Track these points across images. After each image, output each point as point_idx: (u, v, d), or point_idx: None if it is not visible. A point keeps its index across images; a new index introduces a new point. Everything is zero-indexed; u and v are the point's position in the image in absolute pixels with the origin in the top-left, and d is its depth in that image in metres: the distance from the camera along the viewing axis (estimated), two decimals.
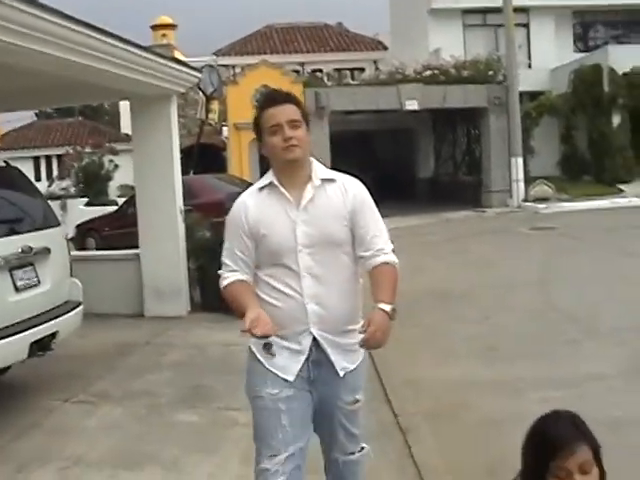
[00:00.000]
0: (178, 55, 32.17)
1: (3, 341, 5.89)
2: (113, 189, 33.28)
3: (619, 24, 34.44)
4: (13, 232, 6.44)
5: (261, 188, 3.52)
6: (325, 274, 3.43)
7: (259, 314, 3.23)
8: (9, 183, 7.01)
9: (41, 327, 6.43)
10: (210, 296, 10.67)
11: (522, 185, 24.95)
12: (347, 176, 3.62)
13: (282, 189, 3.45)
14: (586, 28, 34.34)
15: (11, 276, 6.28)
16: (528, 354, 7.95)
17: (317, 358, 3.47)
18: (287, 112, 3.43)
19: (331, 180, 3.53)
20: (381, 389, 7.01)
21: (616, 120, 26.67)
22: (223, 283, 3.48)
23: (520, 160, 25.10)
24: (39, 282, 6.65)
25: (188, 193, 11.86)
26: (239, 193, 3.63)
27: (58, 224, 7.37)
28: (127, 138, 40.42)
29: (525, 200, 24.61)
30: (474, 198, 26.08)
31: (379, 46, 39.15)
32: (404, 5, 35.96)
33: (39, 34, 6.68)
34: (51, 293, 6.81)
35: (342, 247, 3.47)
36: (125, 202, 19.34)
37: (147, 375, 7.77)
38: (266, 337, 3.23)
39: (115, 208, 20.97)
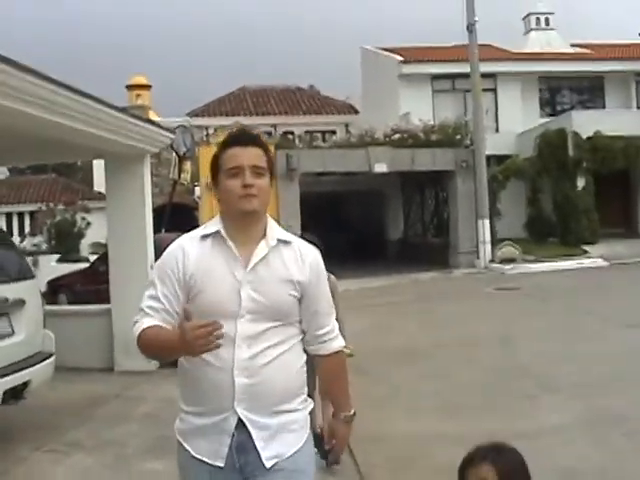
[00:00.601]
0: (152, 115, 32.71)
1: None
2: (85, 246, 33.39)
3: (584, 90, 35.39)
4: None
5: (204, 236, 3.05)
6: (264, 345, 2.95)
7: (184, 329, 2.69)
8: None
9: (14, 376, 6.65)
10: None
11: (489, 247, 25.35)
12: (302, 241, 3.21)
13: (230, 242, 3.01)
14: (552, 93, 35.26)
15: None
16: (489, 408, 8.23)
17: (241, 442, 2.95)
18: (251, 155, 3.03)
19: (287, 242, 3.10)
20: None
21: (580, 183, 27.26)
22: (137, 330, 2.96)
23: (487, 222, 25.53)
24: (13, 332, 6.88)
25: (159, 251, 12.10)
26: None
27: (33, 277, 7.63)
28: (100, 196, 40.62)
29: (492, 261, 24.99)
30: (442, 259, 26.43)
31: (350, 109, 39.90)
32: (375, 70, 36.73)
33: (17, 93, 6.96)
34: (24, 343, 7.03)
35: (289, 318, 3.04)
36: (97, 259, 19.53)
37: (116, 427, 7.95)
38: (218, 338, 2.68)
39: (87, 265, 21.13)
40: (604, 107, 33.84)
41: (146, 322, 2.95)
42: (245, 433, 2.94)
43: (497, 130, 32.51)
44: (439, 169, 26.27)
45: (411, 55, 33.40)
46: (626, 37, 41.35)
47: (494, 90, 32.93)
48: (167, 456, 6.84)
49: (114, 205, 10.96)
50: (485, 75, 28.44)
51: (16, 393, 6.71)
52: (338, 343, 3.19)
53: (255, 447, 2.94)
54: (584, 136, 27.23)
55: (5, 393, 6.50)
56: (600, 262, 23.72)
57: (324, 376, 3.27)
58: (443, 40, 33.19)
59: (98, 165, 39.23)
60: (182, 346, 2.69)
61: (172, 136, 11.75)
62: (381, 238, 33.57)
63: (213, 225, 3.06)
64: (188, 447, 3.00)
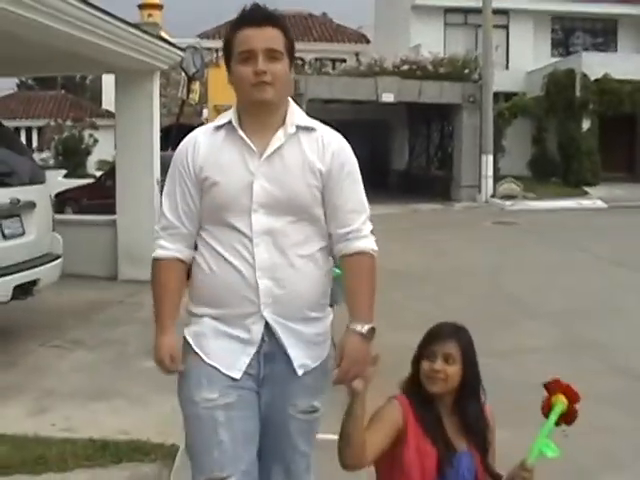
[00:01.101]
0: (164, 35, 32.52)
1: None
2: (92, 163, 33.69)
3: (597, 32, 35.17)
4: (3, 184, 7.04)
5: (218, 127, 2.81)
6: (285, 243, 2.73)
7: (170, 347, 2.79)
8: (0, 140, 7.59)
9: (24, 273, 7.04)
10: None
11: (491, 182, 25.61)
12: (328, 128, 2.91)
13: (240, 132, 2.76)
14: (564, 33, 35.03)
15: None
16: (470, 329, 8.62)
17: (270, 350, 2.78)
18: (266, 37, 2.69)
19: (309, 129, 2.82)
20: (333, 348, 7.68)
21: (586, 125, 27.43)
22: (157, 252, 2.85)
23: (490, 158, 25.74)
24: (24, 232, 7.25)
25: (166, 168, 12.42)
26: None
27: (44, 181, 7.97)
28: (108, 114, 40.76)
29: (493, 196, 25.30)
30: (445, 192, 26.71)
31: (362, 39, 39.74)
32: (388, 0, 36.60)
33: (34, 3, 7.22)
34: (34, 243, 7.41)
35: (310, 213, 2.78)
36: (104, 174, 19.89)
37: (118, 328, 8.37)
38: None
39: (93, 180, 21.48)
40: (616, 51, 33.73)
41: (166, 248, 2.84)
42: (274, 340, 2.76)
43: (507, 67, 32.44)
44: (446, 102, 26.34)
45: None
46: None
47: (506, 27, 32.75)
48: None
49: (123, 118, 11.24)
50: (498, 11, 28.35)
51: (25, 290, 7.10)
52: (365, 243, 2.82)
53: (286, 354, 2.77)
54: (593, 78, 27.28)
55: (15, 288, 6.89)
56: (599, 204, 24.04)
57: (348, 276, 2.82)
58: None
59: (107, 83, 39.27)
60: (156, 337, 2.83)
61: (182, 54, 12.00)
62: (385, 168, 33.72)
63: (226, 116, 2.82)
64: (200, 351, 2.78)
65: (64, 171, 28.69)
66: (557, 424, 2.89)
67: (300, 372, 2.79)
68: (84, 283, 10.48)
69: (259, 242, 2.71)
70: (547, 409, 2.93)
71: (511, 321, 9.03)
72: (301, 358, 2.79)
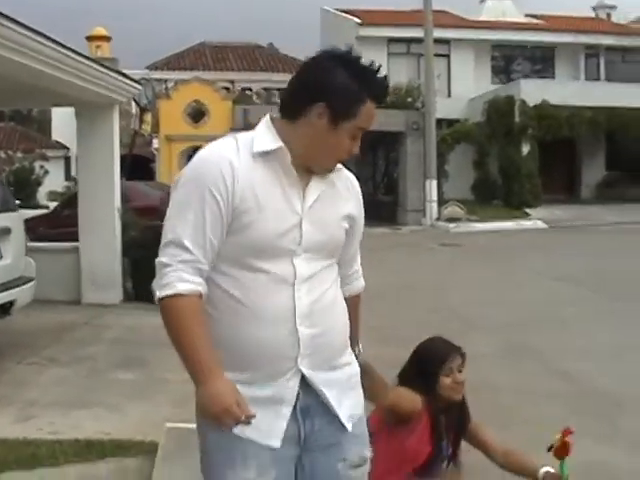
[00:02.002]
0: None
1: None
2: (42, 194, 33.87)
3: (535, 59, 36.52)
4: None
5: (260, 153, 2.41)
6: (321, 289, 2.47)
7: (233, 391, 2.32)
8: None
9: (2, 294, 7.51)
10: (142, 287, 11.80)
11: (435, 206, 26.45)
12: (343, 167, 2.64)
13: (293, 170, 2.41)
14: (504, 61, 36.36)
15: None
16: (420, 339, 9.29)
17: (306, 404, 2.46)
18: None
19: (338, 169, 2.57)
20: None
21: (525, 149, 28.52)
22: (179, 287, 2.30)
23: (434, 182, 26.60)
24: (1, 256, 7.73)
25: (122, 197, 12.93)
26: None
27: (17, 209, 8.46)
28: (58, 145, 41.07)
29: (438, 219, 26.13)
30: (391, 216, 27.50)
31: None
32: (334, 30, 37.35)
33: (6, 42, 7.70)
34: (10, 267, 7.89)
35: (337, 255, 2.61)
36: (60, 204, 20.23)
37: (88, 347, 8.82)
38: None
39: (49, 210, 21.77)
40: (554, 77, 35.07)
41: (186, 281, 2.31)
42: (309, 393, 2.46)
43: (449, 95, 33.55)
44: (390, 130, 27.12)
45: (369, 18, 34.28)
46: (580, 10, 42.50)
47: (448, 56, 33.92)
48: (136, 370, 7.79)
49: (85, 150, 11.73)
50: (439, 41, 29.40)
51: (4, 309, 7.57)
52: (362, 281, 2.89)
53: (327, 409, 2.49)
54: (531, 104, 28.36)
55: None
56: (540, 224, 25.03)
57: (350, 314, 2.68)
58: (402, 2, 33.90)
59: (57, 114, 39.53)
60: (198, 387, 2.33)
61: (140, 87, 12.54)
62: None
63: (270, 140, 2.43)
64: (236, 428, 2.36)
65: (17, 202, 28.74)
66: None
67: (350, 426, 2.52)
68: (50, 307, 10.84)
69: (300, 288, 2.41)
70: (562, 453, 3.50)
71: (459, 332, 9.58)
72: (346, 409, 2.52)
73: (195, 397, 2.36)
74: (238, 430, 2.32)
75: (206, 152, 2.42)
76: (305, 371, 2.41)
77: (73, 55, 9.42)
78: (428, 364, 3.58)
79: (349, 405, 2.53)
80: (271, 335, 2.36)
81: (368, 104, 2.43)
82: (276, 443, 2.39)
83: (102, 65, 10.60)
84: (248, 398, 2.33)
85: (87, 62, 9.91)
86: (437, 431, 3.52)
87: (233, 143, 2.42)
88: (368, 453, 2.61)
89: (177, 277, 2.30)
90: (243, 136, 2.46)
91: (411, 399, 3.40)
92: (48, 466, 5.15)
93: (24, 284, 8.08)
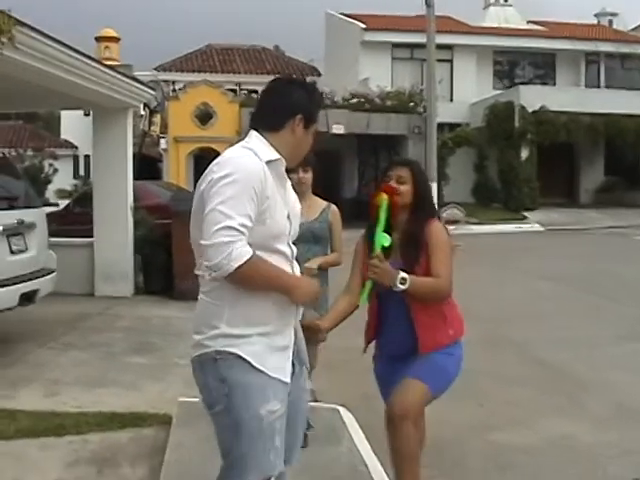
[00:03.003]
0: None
1: (3, 289, 7.69)
2: (51, 192, 34.48)
3: (536, 65, 37.01)
4: (11, 207, 8.23)
5: (268, 162, 3.12)
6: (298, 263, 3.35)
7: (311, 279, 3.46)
8: (5, 170, 8.80)
9: (28, 283, 8.22)
10: (152, 281, 12.52)
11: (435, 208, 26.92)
12: None
13: (284, 173, 3.25)
14: (505, 67, 36.84)
15: (8, 241, 8.05)
16: None
17: (294, 350, 3.28)
18: None
19: None
20: None
21: (524, 153, 29.15)
22: (243, 258, 2.92)
23: (435, 185, 27.11)
24: (27, 248, 8.42)
25: (133, 196, 13.55)
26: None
27: (40, 205, 9.17)
28: (66, 144, 41.75)
29: None
30: None
31: (313, 71, 41.03)
32: (338, 35, 38.04)
33: (35, 52, 8.39)
34: (35, 259, 8.59)
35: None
36: (72, 201, 20.80)
37: (103, 334, 9.52)
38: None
39: (61, 207, 22.36)
40: (554, 83, 35.60)
41: (248, 250, 2.93)
42: (294, 341, 3.27)
43: (451, 99, 34.04)
44: (393, 133, 27.80)
45: (373, 23, 34.67)
46: (583, 17, 43.08)
47: (450, 61, 34.38)
48: (148, 354, 8.49)
49: (100, 151, 12.42)
50: (442, 46, 29.80)
51: (29, 297, 8.25)
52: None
53: (300, 349, 3.35)
54: (530, 110, 28.96)
55: (21, 296, 8.06)
56: (537, 227, 25.73)
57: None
58: (407, 6, 34.46)
59: (65, 113, 40.20)
60: (294, 290, 3.11)
61: (153, 92, 13.23)
62: (336, 196, 34.89)
63: (270, 151, 3.16)
64: (263, 368, 3.06)
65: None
66: (387, 218, 3.85)
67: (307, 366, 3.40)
68: (65, 299, 11.49)
69: (294, 264, 3.24)
70: (375, 209, 3.85)
71: None
72: (304, 353, 3.37)
73: (292, 300, 3.16)
74: (272, 372, 3.08)
75: (244, 159, 3.07)
76: (294, 324, 3.25)
77: (92, 63, 10.14)
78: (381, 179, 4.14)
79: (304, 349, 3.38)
80: (285, 298, 3.11)
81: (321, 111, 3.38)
82: (288, 379, 3.15)
83: (119, 72, 11.30)
84: (272, 346, 3.11)
85: (104, 69, 10.61)
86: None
87: (252, 153, 3.09)
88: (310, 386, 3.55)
89: (242, 249, 2.92)
90: (252, 148, 3.12)
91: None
92: (74, 434, 5.82)
93: (47, 275, 8.77)
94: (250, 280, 2.98)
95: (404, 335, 4.09)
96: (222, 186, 2.96)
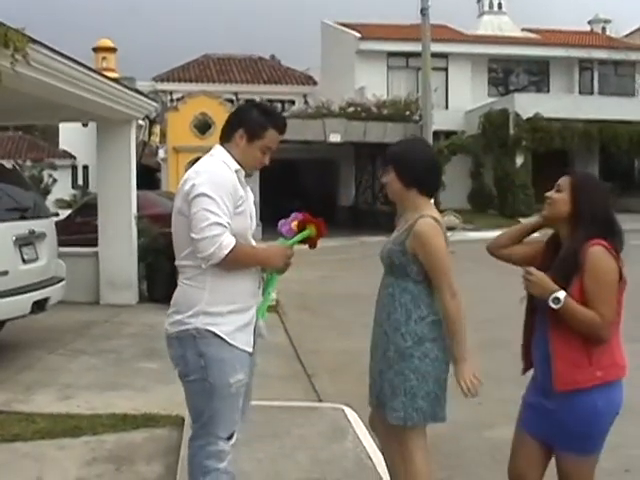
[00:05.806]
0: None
1: (16, 297, 7.96)
2: (50, 202, 34.67)
3: (531, 73, 37.40)
4: (23, 218, 8.50)
5: (236, 170, 3.74)
6: None
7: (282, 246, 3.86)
8: (16, 181, 9.07)
9: (39, 291, 8.48)
10: (155, 289, 12.77)
11: None
12: None
13: (245, 183, 3.80)
14: (500, 75, 37.22)
15: (20, 251, 8.32)
16: None
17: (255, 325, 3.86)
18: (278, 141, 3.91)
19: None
20: (295, 354, 9.27)
21: (519, 160, 29.48)
22: (229, 244, 3.54)
23: None
24: (38, 258, 8.69)
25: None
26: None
27: (50, 215, 9.43)
28: (65, 154, 41.95)
29: None
30: (389, 225, 27.79)
31: (309, 80, 41.30)
32: (334, 44, 38.31)
33: (47, 69, 8.67)
34: (45, 268, 8.85)
35: None
36: (74, 211, 20.99)
37: (111, 340, 9.78)
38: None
39: (64, 217, 22.56)
40: (549, 90, 35.94)
41: (233, 240, 3.55)
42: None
43: (447, 107, 34.37)
44: (389, 141, 27.87)
45: (369, 32, 35.00)
46: (577, 24, 43.45)
47: (445, 69, 34.75)
48: (157, 360, 8.69)
49: (104, 161, 12.67)
50: (437, 55, 30.15)
51: (40, 305, 8.51)
52: None
53: (258, 326, 3.85)
54: (525, 117, 29.28)
55: (33, 304, 8.32)
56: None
57: None
58: (402, 15, 34.84)
59: (64, 125, 40.35)
60: (269, 260, 3.80)
61: (155, 104, 13.50)
62: (333, 204, 35.24)
63: (233, 162, 3.76)
64: (234, 342, 3.67)
65: None
66: (301, 242, 3.94)
67: (265, 334, 3.91)
68: (70, 307, 11.69)
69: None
70: (298, 230, 3.90)
71: None
72: (263, 328, 3.89)
73: (271, 267, 3.87)
74: (241, 345, 3.69)
75: (219, 169, 3.70)
76: (255, 303, 3.84)
77: (100, 77, 10.42)
78: None
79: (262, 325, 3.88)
80: (252, 280, 3.78)
81: (270, 131, 3.83)
82: (251, 350, 3.78)
83: (124, 85, 11.58)
84: (241, 322, 3.72)
85: (111, 83, 10.89)
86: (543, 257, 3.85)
87: (224, 164, 3.73)
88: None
89: (228, 239, 3.56)
90: (221, 159, 3.76)
91: None
92: (90, 435, 6.08)
93: (57, 283, 9.03)
94: (237, 262, 3.61)
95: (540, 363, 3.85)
96: (206, 191, 3.57)
